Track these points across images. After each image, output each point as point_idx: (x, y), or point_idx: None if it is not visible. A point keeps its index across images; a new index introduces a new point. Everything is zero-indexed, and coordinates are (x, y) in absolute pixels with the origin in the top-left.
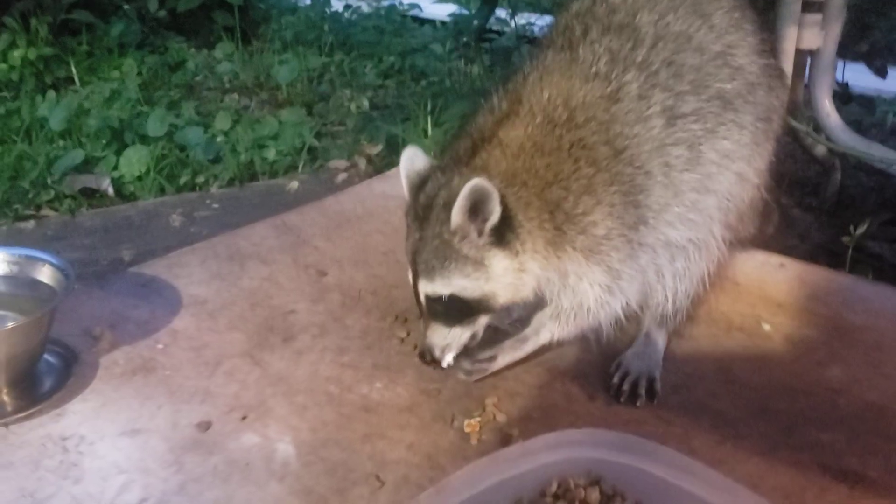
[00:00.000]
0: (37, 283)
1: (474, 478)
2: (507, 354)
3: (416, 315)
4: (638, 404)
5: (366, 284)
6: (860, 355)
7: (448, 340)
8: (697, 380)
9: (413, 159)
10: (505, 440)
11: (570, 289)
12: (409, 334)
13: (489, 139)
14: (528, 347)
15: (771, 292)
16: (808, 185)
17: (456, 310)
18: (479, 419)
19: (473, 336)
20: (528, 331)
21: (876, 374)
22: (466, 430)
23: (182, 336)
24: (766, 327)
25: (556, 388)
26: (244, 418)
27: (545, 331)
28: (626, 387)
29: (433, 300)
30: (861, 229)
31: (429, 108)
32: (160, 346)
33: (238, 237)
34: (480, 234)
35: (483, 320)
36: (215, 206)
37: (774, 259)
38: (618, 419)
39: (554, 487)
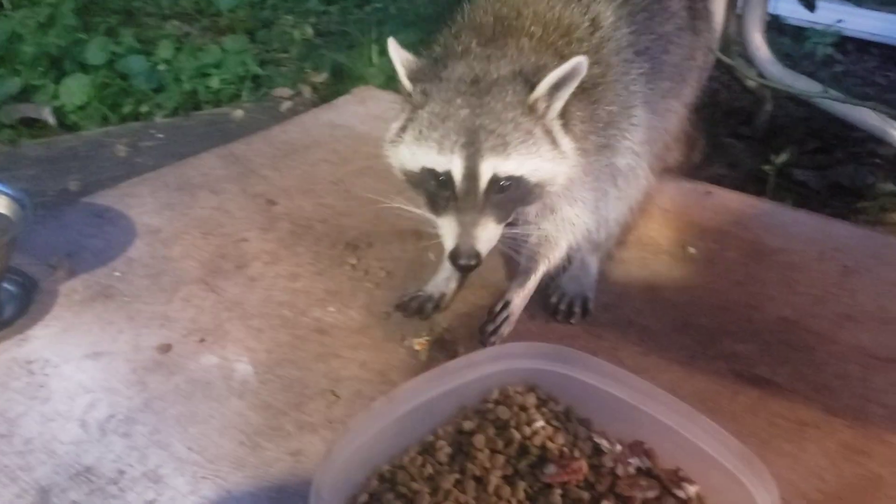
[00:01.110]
0: None
1: (422, 387)
2: (518, 296)
3: (447, 207)
4: (573, 321)
5: (315, 213)
6: (776, 275)
7: (494, 238)
8: (626, 299)
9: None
10: (452, 356)
11: (569, 197)
12: (358, 261)
13: (511, 33)
14: (532, 283)
15: (697, 218)
16: (741, 114)
17: (512, 198)
18: (427, 338)
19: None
20: (525, 266)
21: (789, 292)
22: (416, 347)
23: (138, 264)
24: (692, 250)
25: None
26: (202, 341)
27: (541, 260)
28: (562, 306)
29: (497, 184)
30: (783, 157)
31: (374, 36)
32: (117, 273)
33: (187, 167)
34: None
35: (522, 211)
36: (160, 135)
37: (701, 187)
38: (554, 335)
39: (495, 395)
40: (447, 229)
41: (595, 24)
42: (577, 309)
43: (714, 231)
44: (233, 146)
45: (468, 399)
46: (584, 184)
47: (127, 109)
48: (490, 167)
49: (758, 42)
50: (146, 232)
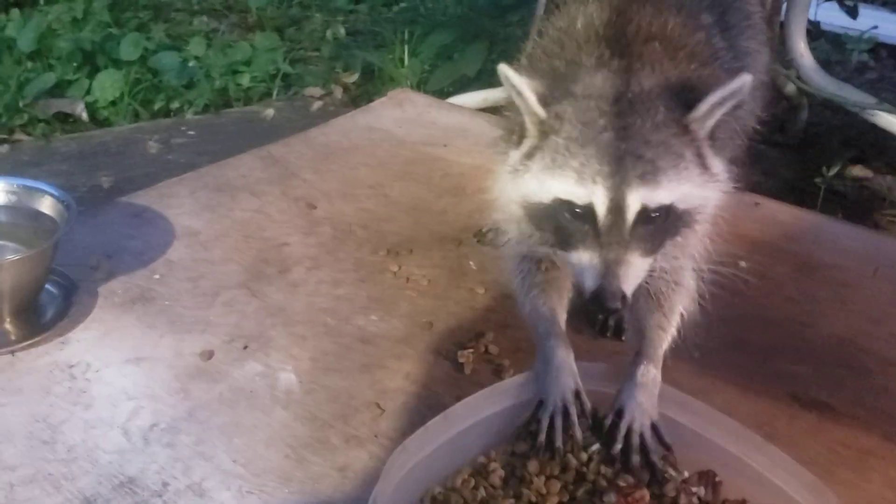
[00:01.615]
0: (38, 214)
1: (477, 407)
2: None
3: (588, 238)
4: (623, 338)
5: (355, 218)
6: (828, 292)
7: (642, 274)
8: None
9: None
10: (497, 370)
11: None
12: (400, 268)
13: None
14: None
15: (746, 230)
16: (776, 121)
17: (661, 229)
18: (471, 351)
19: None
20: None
21: (842, 309)
22: (460, 360)
23: (178, 267)
24: (742, 264)
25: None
26: (245, 348)
27: (673, 310)
28: (611, 322)
29: (647, 214)
30: (834, 170)
31: (405, 36)
32: (157, 276)
33: (225, 168)
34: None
35: (669, 245)
36: (191, 132)
37: (749, 198)
38: (603, 351)
39: None
40: (587, 267)
41: (707, 36)
42: (626, 325)
43: (764, 244)
44: (271, 147)
45: (521, 420)
46: None
47: (158, 106)
48: (639, 198)
49: (801, 49)
50: (185, 234)
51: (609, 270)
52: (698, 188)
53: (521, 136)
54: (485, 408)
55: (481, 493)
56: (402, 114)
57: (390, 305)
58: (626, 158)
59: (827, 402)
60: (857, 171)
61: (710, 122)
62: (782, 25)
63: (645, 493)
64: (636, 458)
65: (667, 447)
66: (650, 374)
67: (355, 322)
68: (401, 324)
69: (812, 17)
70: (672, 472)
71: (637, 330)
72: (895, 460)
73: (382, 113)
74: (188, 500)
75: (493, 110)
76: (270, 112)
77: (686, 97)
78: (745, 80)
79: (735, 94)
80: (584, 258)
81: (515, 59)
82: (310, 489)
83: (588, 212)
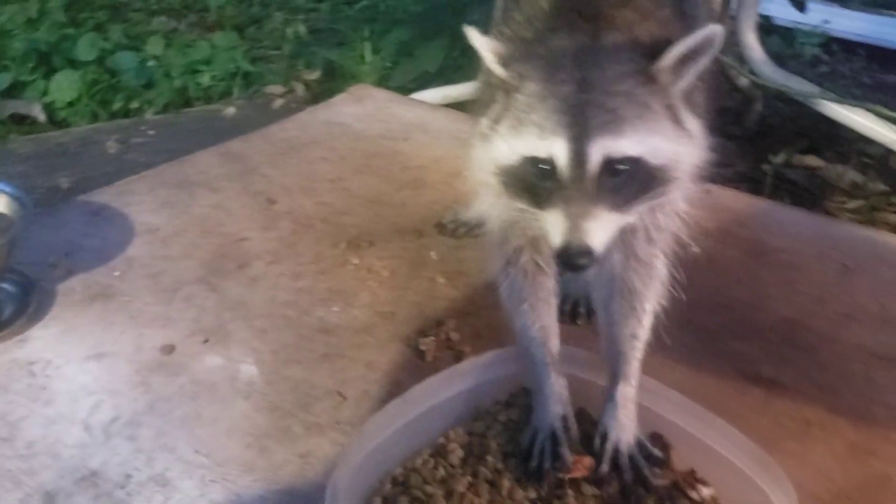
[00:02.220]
0: None
1: (434, 390)
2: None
3: (546, 197)
4: (579, 322)
5: (315, 211)
6: (776, 275)
7: (612, 231)
8: None
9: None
10: (458, 357)
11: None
12: (361, 260)
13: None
14: (637, 366)
15: (698, 217)
16: (731, 113)
17: (629, 184)
18: (433, 338)
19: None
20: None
21: (790, 291)
22: (421, 348)
23: (137, 263)
24: (695, 249)
25: (502, 308)
26: (206, 341)
27: (646, 301)
28: (566, 307)
29: (610, 167)
30: (781, 157)
31: (366, 34)
32: (117, 273)
33: (185, 165)
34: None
35: (644, 203)
36: (151, 132)
37: (697, 194)
38: (560, 336)
39: (505, 396)
40: (552, 225)
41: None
42: (581, 309)
43: (715, 230)
44: (230, 144)
45: (479, 401)
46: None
47: (117, 106)
48: (601, 148)
49: (751, 42)
50: (145, 231)
51: (574, 225)
52: (670, 142)
53: (491, 103)
54: (443, 390)
55: (441, 472)
56: (362, 109)
57: (351, 297)
58: (586, 108)
59: (774, 378)
60: (810, 160)
61: (683, 79)
62: (734, 19)
63: (590, 460)
64: (629, 476)
65: (656, 459)
66: (628, 393)
67: (316, 314)
68: (362, 314)
69: (765, 12)
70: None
71: (611, 340)
72: (837, 431)
73: (342, 108)
74: (151, 491)
75: (454, 106)
76: (231, 111)
77: (653, 49)
78: (715, 30)
79: (705, 45)
80: (550, 216)
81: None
82: (272, 477)
83: (551, 166)
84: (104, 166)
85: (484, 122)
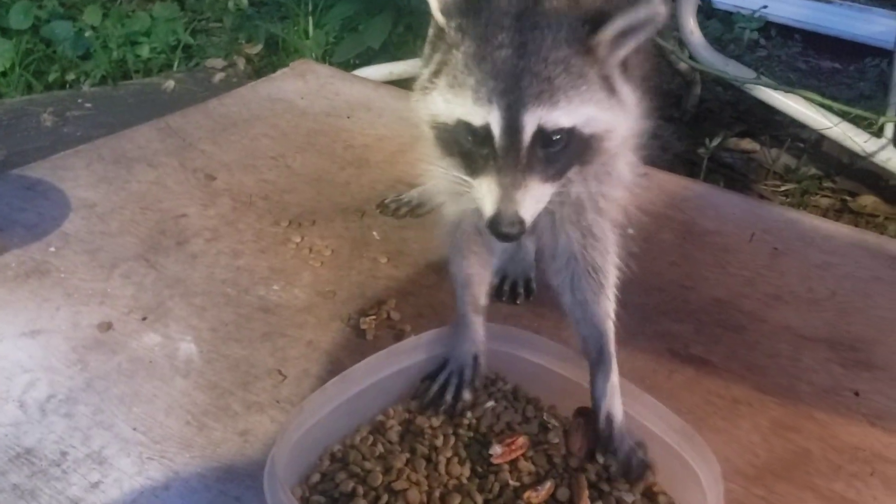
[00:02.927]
0: None
1: (374, 368)
2: (613, 398)
3: (482, 165)
4: (518, 302)
5: (256, 189)
6: (709, 256)
7: (542, 201)
8: None
9: None
10: (398, 336)
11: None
12: (302, 239)
13: None
14: (612, 352)
15: (634, 199)
16: (671, 97)
17: (562, 154)
18: (374, 317)
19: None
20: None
21: (722, 273)
22: (362, 327)
23: (74, 239)
24: (630, 231)
25: (444, 288)
26: (144, 319)
27: (604, 294)
28: (506, 287)
29: (543, 138)
30: (716, 141)
31: (309, 7)
32: (52, 249)
33: (122, 140)
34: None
35: (574, 173)
36: (88, 105)
37: (638, 168)
38: (499, 315)
39: None
40: (485, 193)
41: None
42: (520, 289)
43: (650, 212)
44: (169, 118)
45: (418, 379)
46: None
47: (52, 77)
48: (535, 119)
49: (691, 26)
50: (81, 206)
51: (506, 194)
52: (604, 112)
53: (434, 54)
54: (383, 369)
55: (379, 448)
56: (304, 85)
57: (292, 276)
58: (522, 76)
59: (704, 357)
60: (746, 144)
61: (621, 51)
62: (675, 2)
63: (524, 439)
64: (640, 456)
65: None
66: (616, 373)
67: (256, 292)
68: (303, 293)
69: None
70: (555, 421)
71: (587, 321)
72: (762, 408)
73: (284, 84)
74: (88, 469)
75: (398, 83)
76: (171, 84)
77: (594, 21)
78: (658, 9)
79: (646, 22)
80: (483, 184)
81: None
82: (211, 454)
83: (486, 133)
84: (39, 140)
85: (425, 73)
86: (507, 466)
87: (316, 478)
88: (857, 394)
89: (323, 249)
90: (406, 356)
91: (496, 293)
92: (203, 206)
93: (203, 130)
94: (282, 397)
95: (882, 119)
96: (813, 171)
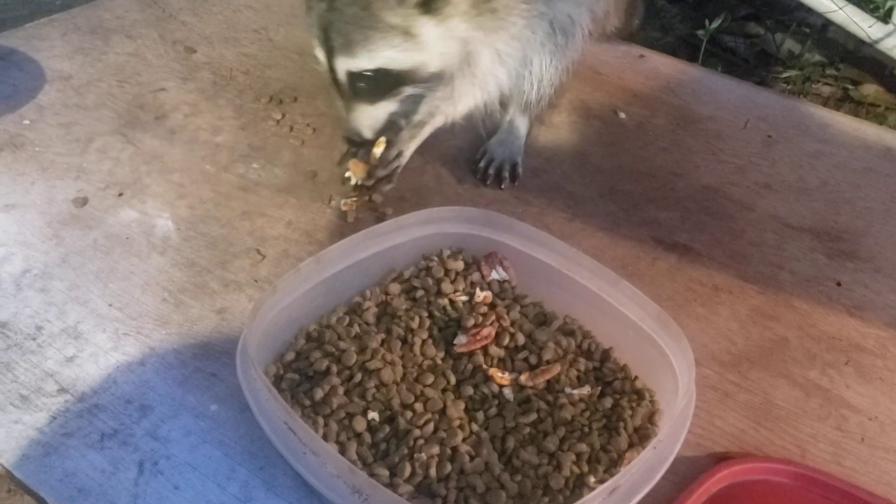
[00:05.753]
0: None
1: (351, 249)
2: (409, 144)
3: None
4: (502, 187)
5: (237, 63)
6: (701, 143)
7: (375, 118)
8: (555, 164)
9: None
10: (380, 218)
11: (473, 56)
12: (284, 116)
13: None
14: (426, 131)
15: (629, 82)
16: None
17: (381, 84)
18: (355, 199)
19: (400, 112)
20: (421, 116)
21: (713, 160)
22: (343, 208)
23: (49, 112)
24: (622, 115)
25: (427, 171)
26: (120, 195)
27: (439, 113)
28: (491, 171)
29: (356, 77)
30: (715, 24)
31: None
32: (27, 121)
33: (100, 9)
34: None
35: (408, 91)
36: None
37: (635, 50)
38: (483, 199)
39: (421, 258)
40: (340, 110)
41: None
42: (505, 174)
43: (644, 96)
44: None
45: (396, 262)
46: (512, 36)
47: None
48: (343, 64)
49: None
50: (57, 78)
51: (347, 116)
52: (404, 53)
53: None
54: (359, 250)
55: (355, 329)
56: None
57: (272, 154)
58: (330, 29)
59: (687, 244)
60: (750, 27)
61: None
62: None
63: (491, 331)
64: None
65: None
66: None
67: (235, 170)
68: (283, 173)
69: None
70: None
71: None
72: (743, 296)
73: None
74: (63, 343)
75: None
76: None
77: None
78: None
79: None
80: (339, 105)
81: None
82: (187, 331)
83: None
84: (13, 7)
85: None
86: (479, 351)
87: (290, 356)
88: (839, 284)
89: (304, 128)
90: (385, 238)
91: (480, 177)
92: (182, 79)
93: (183, 1)
94: (260, 276)
95: (889, 2)
96: (817, 57)
